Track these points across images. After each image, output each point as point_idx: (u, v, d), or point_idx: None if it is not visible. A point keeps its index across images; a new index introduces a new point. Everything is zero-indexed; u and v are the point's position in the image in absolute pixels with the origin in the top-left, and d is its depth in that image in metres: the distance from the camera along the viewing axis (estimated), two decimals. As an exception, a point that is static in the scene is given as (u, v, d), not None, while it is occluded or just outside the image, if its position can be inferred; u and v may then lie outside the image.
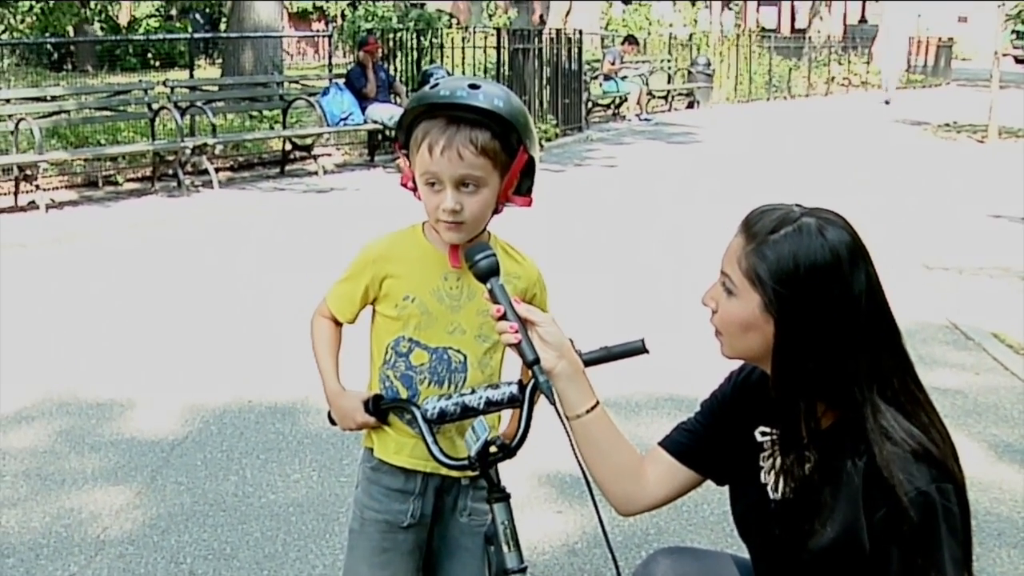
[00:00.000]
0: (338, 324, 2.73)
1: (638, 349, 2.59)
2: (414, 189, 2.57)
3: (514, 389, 2.56)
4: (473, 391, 2.57)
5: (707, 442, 2.54)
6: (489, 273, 2.40)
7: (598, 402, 2.50)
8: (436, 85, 2.48)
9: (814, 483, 2.23)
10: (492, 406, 2.56)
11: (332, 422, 2.74)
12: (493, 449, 2.52)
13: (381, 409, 2.63)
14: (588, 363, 2.53)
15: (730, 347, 2.32)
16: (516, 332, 2.34)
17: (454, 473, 2.64)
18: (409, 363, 2.64)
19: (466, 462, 2.52)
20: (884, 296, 2.20)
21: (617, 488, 2.58)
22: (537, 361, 2.34)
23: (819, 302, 2.14)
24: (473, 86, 2.47)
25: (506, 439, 2.57)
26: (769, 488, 2.38)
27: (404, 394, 2.65)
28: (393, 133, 12.70)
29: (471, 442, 2.50)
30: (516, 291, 2.64)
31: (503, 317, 2.36)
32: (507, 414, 2.77)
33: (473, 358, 2.65)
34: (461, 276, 2.62)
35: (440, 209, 2.49)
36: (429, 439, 2.53)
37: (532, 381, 2.53)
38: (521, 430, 2.54)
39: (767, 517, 2.39)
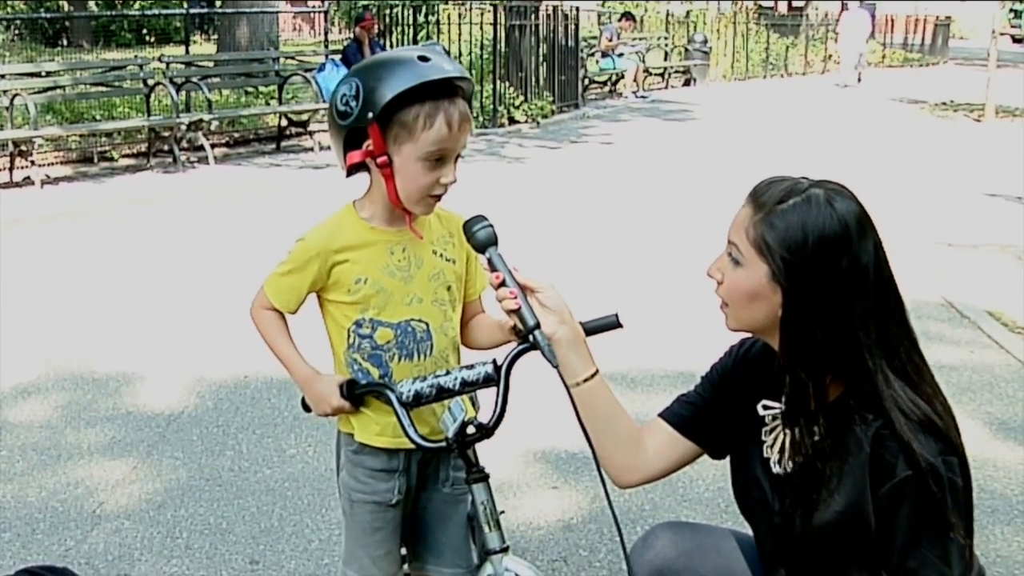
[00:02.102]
0: (281, 313, 2.70)
1: (612, 324, 2.60)
2: (377, 169, 2.52)
3: (489, 369, 2.55)
4: (448, 372, 2.57)
5: (707, 415, 2.54)
6: (487, 243, 2.41)
7: (597, 370, 2.50)
8: (427, 60, 2.43)
9: (820, 456, 2.23)
10: (467, 386, 2.56)
11: (306, 409, 2.73)
12: (471, 429, 2.54)
13: (356, 394, 2.62)
14: None
15: (735, 319, 2.32)
16: (516, 298, 2.35)
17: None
18: (375, 343, 2.62)
19: (444, 443, 2.54)
20: (890, 268, 2.20)
21: (615, 457, 2.57)
22: (538, 326, 2.35)
23: (828, 272, 2.14)
24: (446, 57, 2.50)
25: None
26: (772, 462, 2.38)
27: (375, 374, 2.64)
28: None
29: (448, 423, 2.51)
30: (455, 251, 2.69)
31: (502, 284, 2.37)
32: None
33: (435, 324, 2.65)
34: (406, 246, 2.62)
35: (439, 184, 2.50)
36: (405, 422, 2.53)
37: (507, 360, 2.54)
38: (498, 409, 2.54)
39: (771, 491, 2.40)
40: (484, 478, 2.61)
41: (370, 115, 2.43)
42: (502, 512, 2.66)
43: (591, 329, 2.56)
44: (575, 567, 4.01)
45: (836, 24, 32.43)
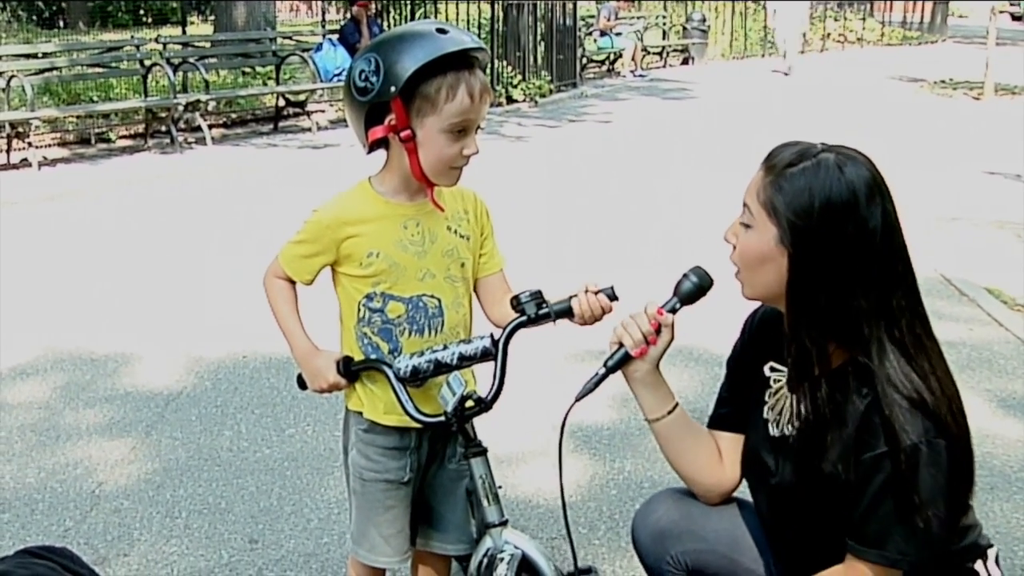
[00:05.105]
0: (293, 283, 2.70)
1: (608, 296, 2.60)
2: (399, 143, 2.51)
3: (487, 343, 2.56)
4: (446, 346, 2.57)
5: (740, 400, 2.57)
6: (693, 298, 2.48)
7: (677, 404, 2.54)
8: (445, 32, 2.45)
9: (820, 422, 2.24)
10: (465, 360, 2.57)
11: (302, 386, 2.72)
12: (469, 403, 2.54)
13: (352, 370, 2.63)
14: (558, 315, 2.54)
15: (749, 285, 2.33)
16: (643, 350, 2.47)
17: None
18: (386, 316, 2.62)
19: (442, 418, 2.54)
20: (901, 236, 2.21)
21: (702, 481, 2.62)
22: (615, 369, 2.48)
23: (833, 237, 2.15)
24: (462, 29, 2.52)
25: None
26: (771, 424, 2.40)
27: (385, 348, 2.64)
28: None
29: (447, 398, 2.52)
30: (469, 227, 2.71)
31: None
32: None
33: (447, 300, 2.66)
34: (420, 221, 2.62)
35: (462, 155, 2.51)
36: (403, 397, 2.54)
37: (504, 334, 2.55)
38: (496, 383, 2.55)
39: (768, 452, 2.41)
40: (482, 452, 2.62)
41: (393, 89, 2.42)
42: (499, 487, 2.66)
43: None
44: (574, 544, 4.00)
45: (836, 0, 31.95)
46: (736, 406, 2.59)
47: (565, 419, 2.48)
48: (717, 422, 2.65)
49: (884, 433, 2.11)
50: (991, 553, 2.40)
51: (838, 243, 2.14)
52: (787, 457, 2.35)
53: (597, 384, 2.47)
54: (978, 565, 2.37)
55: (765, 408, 2.43)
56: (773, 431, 2.40)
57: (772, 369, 2.43)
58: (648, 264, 7.56)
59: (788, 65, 24.50)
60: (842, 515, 2.21)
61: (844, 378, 2.21)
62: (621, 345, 2.46)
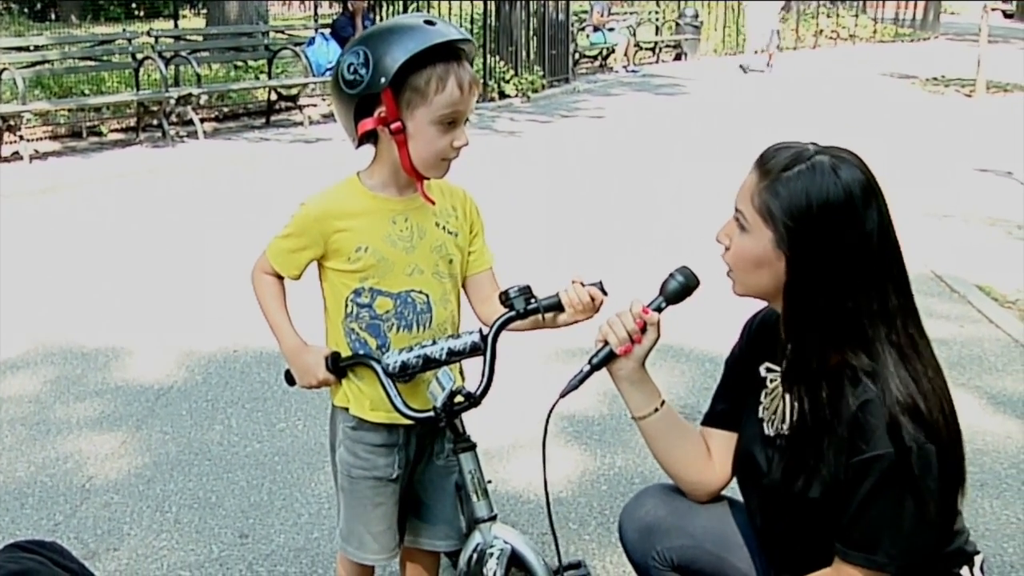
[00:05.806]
0: (281, 278, 2.70)
1: (597, 289, 2.60)
2: (389, 136, 2.51)
3: (475, 338, 2.56)
4: (434, 341, 2.57)
5: (735, 399, 2.57)
6: (678, 298, 2.49)
7: (663, 401, 2.55)
8: (433, 24, 2.47)
9: (809, 423, 2.25)
10: (454, 356, 2.57)
11: (290, 382, 2.71)
12: (459, 399, 2.54)
13: (340, 366, 2.63)
14: (547, 309, 2.56)
15: (742, 284, 2.33)
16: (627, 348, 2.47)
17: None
18: (374, 312, 2.62)
19: (431, 413, 2.54)
20: (895, 236, 2.21)
21: (688, 478, 2.63)
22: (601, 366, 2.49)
23: (831, 240, 2.15)
24: (449, 22, 2.53)
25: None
26: (765, 423, 2.40)
27: (373, 344, 2.64)
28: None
29: (436, 393, 2.52)
30: (457, 224, 2.71)
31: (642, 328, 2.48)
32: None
33: (435, 296, 2.65)
34: (409, 216, 2.62)
35: (452, 147, 2.51)
36: (392, 392, 2.54)
37: (493, 329, 2.55)
38: (485, 378, 2.55)
39: (761, 452, 2.41)
40: (471, 447, 2.62)
41: (383, 80, 2.42)
42: (489, 482, 2.66)
43: None
44: (564, 540, 4.00)
45: None
46: (731, 405, 2.59)
47: (549, 416, 2.49)
48: (711, 419, 2.65)
49: (875, 437, 2.11)
50: (977, 560, 2.40)
51: (836, 245, 2.15)
52: (779, 457, 2.35)
53: (581, 381, 2.48)
54: (964, 571, 2.38)
55: (760, 408, 2.43)
56: (767, 431, 2.40)
57: (768, 370, 2.43)
58: (643, 259, 7.57)
59: (764, 61, 24.25)
60: (831, 517, 2.22)
61: (838, 380, 2.21)
62: (606, 343, 2.47)
